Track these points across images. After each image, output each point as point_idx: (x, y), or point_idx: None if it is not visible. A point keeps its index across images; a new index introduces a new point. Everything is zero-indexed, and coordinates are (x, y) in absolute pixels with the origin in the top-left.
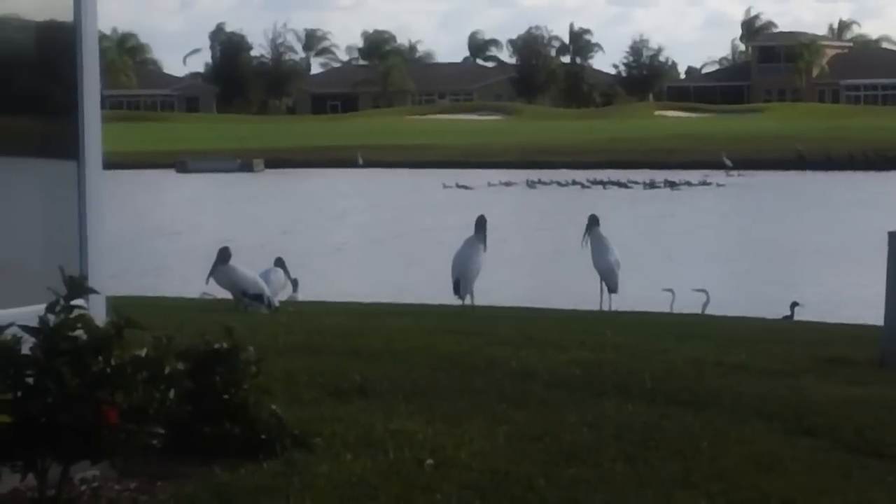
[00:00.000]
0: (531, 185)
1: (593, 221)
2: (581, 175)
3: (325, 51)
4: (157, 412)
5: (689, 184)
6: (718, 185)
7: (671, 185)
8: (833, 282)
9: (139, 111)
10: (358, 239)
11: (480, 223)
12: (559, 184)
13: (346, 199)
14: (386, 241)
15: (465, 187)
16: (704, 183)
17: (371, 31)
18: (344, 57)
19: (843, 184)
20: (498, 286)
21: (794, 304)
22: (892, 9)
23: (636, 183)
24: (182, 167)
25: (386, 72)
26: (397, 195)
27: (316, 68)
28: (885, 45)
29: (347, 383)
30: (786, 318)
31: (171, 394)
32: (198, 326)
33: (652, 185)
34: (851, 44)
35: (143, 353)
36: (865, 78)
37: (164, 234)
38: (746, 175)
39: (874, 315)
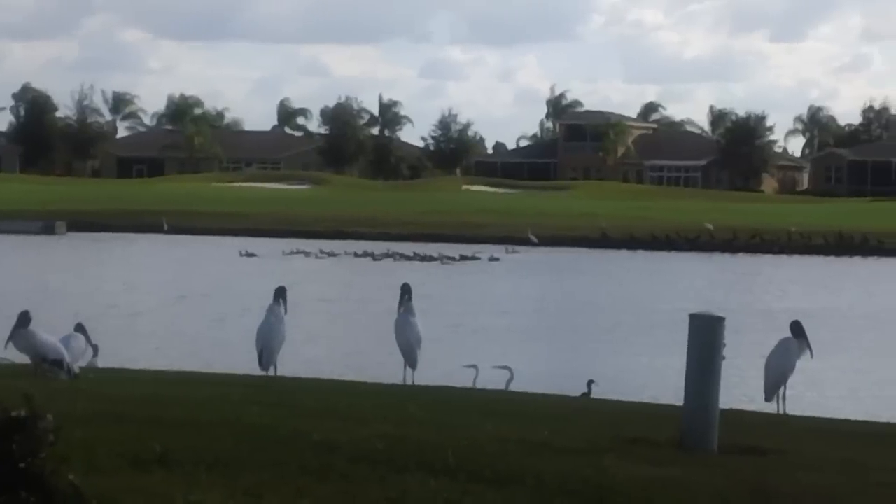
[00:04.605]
0: (319, 255)
1: (406, 291)
2: (381, 247)
3: (132, 114)
4: None
5: (465, 258)
6: (492, 259)
7: (446, 258)
8: (629, 360)
9: None
10: (148, 305)
11: (280, 292)
12: (355, 254)
13: (138, 264)
14: (174, 307)
15: (252, 255)
16: (493, 258)
17: (177, 95)
18: (151, 121)
19: (639, 263)
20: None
21: (590, 382)
22: (696, 93)
23: (433, 257)
24: None
25: (192, 137)
26: (190, 262)
27: (123, 131)
28: (688, 127)
29: (148, 453)
30: (583, 395)
31: None
32: None
33: (428, 258)
34: (656, 125)
35: None
36: (668, 159)
37: None
38: (523, 252)
39: (673, 395)
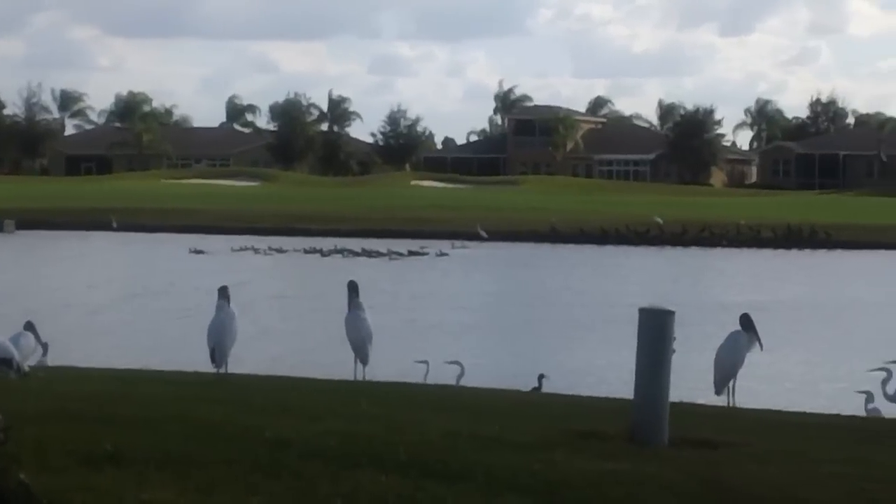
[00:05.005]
0: (268, 252)
1: (352, 288)
2: (329, 243)
3: (80, 112)
4: None
5: (413, 253)
6: (440, 254)
7: (394, 254)
8: (579, 354)
9: None
10: (99, 303)
11: (223, 291)
12: (304, 251)
13: (88, 262)
14: (125, 304)
15: (201, 252)
16: (441, 254)
17: (125, 92)
18: (100, 119)
19: (589, 257)
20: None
21: (541, 376)
22: (645, 87)
23: (381, 252)
24: None
25: (140, 134)
26: (139, 260)
27: (71, 129)
28: (637, 121)
29: (99, 451)
30: (534, 389)
31: None
32: None
33: (370, 253)
34: (605, 120)
35: None
36: (617, 153)
37: None
38: (472, 247)
39: (623, 388)
